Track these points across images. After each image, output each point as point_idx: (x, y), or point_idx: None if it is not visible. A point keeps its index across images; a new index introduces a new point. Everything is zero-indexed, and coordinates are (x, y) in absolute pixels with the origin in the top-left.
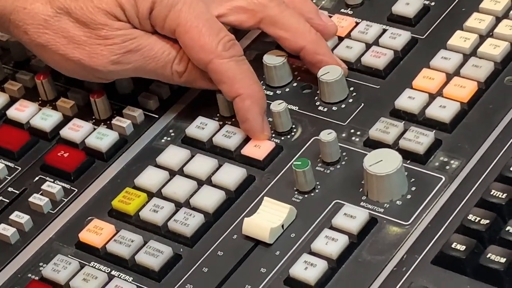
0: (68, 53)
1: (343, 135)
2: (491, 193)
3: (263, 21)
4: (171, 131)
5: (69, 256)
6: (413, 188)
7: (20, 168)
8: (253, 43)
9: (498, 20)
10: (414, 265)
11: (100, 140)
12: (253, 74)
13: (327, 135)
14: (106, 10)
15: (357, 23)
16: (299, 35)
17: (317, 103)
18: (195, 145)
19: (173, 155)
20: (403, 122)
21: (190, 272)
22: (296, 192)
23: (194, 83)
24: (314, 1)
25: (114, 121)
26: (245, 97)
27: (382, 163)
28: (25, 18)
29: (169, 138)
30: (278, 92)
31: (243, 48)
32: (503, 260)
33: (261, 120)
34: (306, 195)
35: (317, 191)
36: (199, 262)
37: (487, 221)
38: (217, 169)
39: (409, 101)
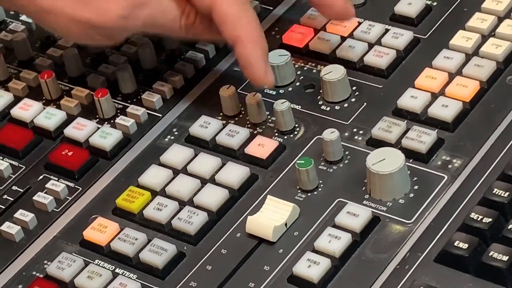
0: (75, 14)
1: (346, 134)
2: (494, 191)
3: None
4: (174, 130)
5: (73, 254)
6: (416, 187)
7: (24, 167)
8: None
9: (500, 20)
10: (417, 263)
11: (104, 139)
12: (256, 19)
13: (330, 134)
14: None
15: (359, 23)
16: None
17: (320, 102)
18: (199, 144)
19: (176, 153)
20: (406, 121)
21: (194, 270)
22: (299, 191)
23: (201, 36)
24: None
25: (117, 120)
26: (247, 41)
27: (385, 162)
28: None
29: (172, 137)
30: (281, 91)
31: None
32: (505, 258)
33: (264, 64)
34: (309, 194)
35: (320, 189)
36: (202, 260)
37: (490, 220)
38: (221, 167)
39: (411, 100)
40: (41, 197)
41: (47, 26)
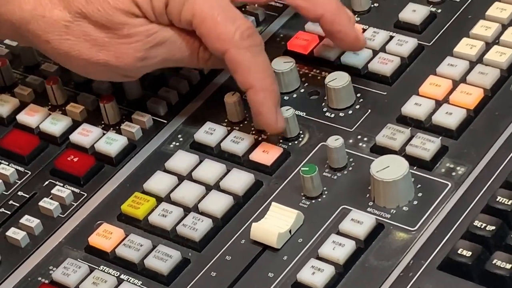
0: (93, 57)
1: (350, 141)
2: (497, 199)
3: None
4: (179, 136)
5: (78, 260)
6: (420, 194)
7: (30, 173)
8: None
9: (504, 27)
10: (421, 270)
11: (110, 145)
12: (268, 67)
13: (334, 141)
14: (123, 9)
15: (364, 30)
16: (318, 3)
17: (325, 109)
18: (204, 150)
19: (181, 160)
20: (410, 128)
21: (198, 276)
22: (303, 198)
23: (222, 65)
24: None
25: (123, 126)
26: (259, 89)
27: (389, 169)
28: (45, 26)
29: (177, 143)
30: (286, 98)
31: None
32: (509, 266)
33: (274, 113)
34: (313, 201)
35: (324, 196)
36: (207, 267)
37: (493, 227)
38: (225, 174)
39: (415, 107)
40: (46, 203)
41: (67, 66)
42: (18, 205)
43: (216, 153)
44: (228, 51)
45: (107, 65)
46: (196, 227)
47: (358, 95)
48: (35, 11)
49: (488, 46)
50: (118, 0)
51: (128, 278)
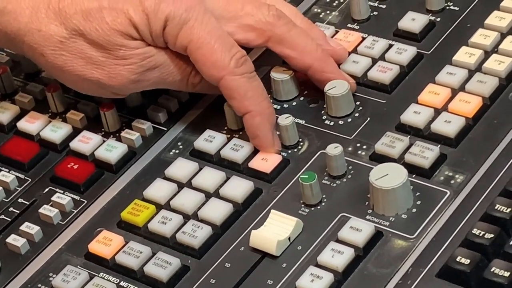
0: (86, 74)
1: (349, 149)
2: (496, 207)
3: (271, 40)
4: (179, 143)
5: (78, 266)
6: (418, 202)
7: (30, 180)
8: (261, 56)
9: (503, 36)
10: (419, 278)
11: (110, 152)
12: (263, 90)
13: (334, 149)
14: (121, 30)
15: (363, 38)
16: (306, 53)
17: (324, 117)
18: (203, 158)
19: (181, 167)
20: (409, 136)
21: (197, 283)
22: (302, 205)
23: (208, 91)
24: (321, 16)
25: (123, 134)
26: (255, 114)
27: (388, 177)
28: (40, 40)
29: (177, 151)
30: (285, 106)
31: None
32: (507, 274)
33: (271, 136)
34: (312, 208)
35: (323, 204)
36: (206, 274)
37: (492, 235)
38: (225, 181)
39: (414, 115)
40: (46, 210)
41: (59, 79)
42: (18, 212)
43: (215, 160)
44: (223, 78)
45: (99, 83)
46: (195, 235)
47: (358, 103)
48: (31, 24)
49: (487, 54)
50: (116, 21)
51: (128, 285)
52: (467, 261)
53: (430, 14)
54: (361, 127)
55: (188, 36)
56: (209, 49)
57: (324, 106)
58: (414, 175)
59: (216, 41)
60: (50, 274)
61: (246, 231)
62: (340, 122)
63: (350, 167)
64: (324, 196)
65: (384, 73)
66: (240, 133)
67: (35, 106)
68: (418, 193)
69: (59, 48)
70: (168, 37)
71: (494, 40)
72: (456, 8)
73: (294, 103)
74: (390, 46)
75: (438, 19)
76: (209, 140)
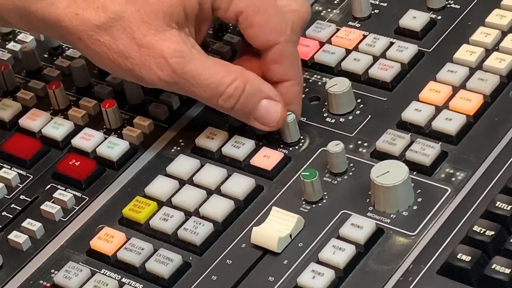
0: (119, 62)
1: (351, 146)
2: (496, 204)
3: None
4: (180, 140)
5: (80, 263)
6: (419, 199)
7: (32, 176)
8: None
9: (504, 34)
10: (420, 275)
11: (111, 149)
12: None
13: (335, 146)
14: (164, 11)
15: (364, 36)
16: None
17: (325, 115)
18: (205, 155)
19: (183, 164)
20: (410, 134)
21: (199, 280)
22: (304, 202)
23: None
24: (322, 13)
25: (124, 131)
26: (297, 83)
27: (389, 174)
28: (78, 24)
29: (179, 148)
30: None
31: None
32: (507, 271)
33: (301, 105)
34: (313, 205)
35: (324, 201)
36: (208, 270)
37: (492, 232)
38: (226, 178)
39: (415, 113)
40: (48, 207)
41: (94, 63)
42: (20, 208)
43: (217, 157)
44: (280, 43)
45: (130, 72)
46: (197, 231)
47: (359, 100)
48: (69, 9)
49: (488, 52)
50: (163, 3)
51: (129, 282)
52: (468, 258)
53: (431, 12)
54: (362, 124)
55: (244, 1)
56: (267, 14)
57: (325, 103)
58: (415, 173)
59: (273, 7)
60: (52, 271)
61: (248, 228)
62: (341, 119)
63: (351, 165)
64: (325, 193)
65: (385, 71)
66: (242, 130)
67: (37, 103)
68: (419, 191)
69: (95, 33)
70: (221, 3)
71: (495, 38)
72: (457, 6)
73: None
74: (391, 44)
75: (439, 17)
76: (211, 137)
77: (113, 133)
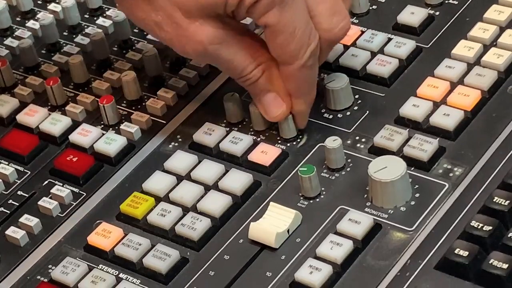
0: (160, 32)
1: (348, 142)
2: (494, 200)
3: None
4: (178, 136)
5: (77, 258)
6: (417, 195)
7: (29, 172)
8: None
9: (502, 30)
10: (418, 270)
11: (109, 145)
12: (316, 79)
13: (333, 142)
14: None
15: (362, 32)
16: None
17: (323, 110)
18: (202, 151)
19: (180, 160)
20: (408, 129)
21: (196, 275)
22: (301, 198)
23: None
24: None
25: (122, 127)
26: (303, 102)
27: (387, 170)
28: None
29: (176, 144)
30: None
31: None
32: (505, 266)
33: (307, 118)
34: (311, 201)
35: (322, 196)
36: (205, 266)
37: (490, 228)
38: (224, 174)
39: (413, 109)
40: (46, 202)
41: (140, 27)
42: (17, 204)
43: (214, 153)
44: (293, 66)
45: (170, 42)
46: (194, 227)
47: (356, 96)
48: None
49: (486, 48)
50: None
51: (127, 277)
52: (466, 253)
53: (429, 8)
54: (360, 120)
55: (276, 17)
56: (292, 37)
57: (323, 99)
58: (413, 168)
59: (302, 28)
60: (49, 266)
61: (245, 223)
62: (339, 115)
63: (349, 160)
64: (323, 188)
65: (383, 67)
66: (239, 126)
67: (35, 99)
68: (416, 186)
69: (142, 1)
70: (256, 10)
71: (493, 34)
72: (455, 2)
73: None
74: (389, 39)
75: (437, 13)
76: (208, 133)
77: (110, 128)
